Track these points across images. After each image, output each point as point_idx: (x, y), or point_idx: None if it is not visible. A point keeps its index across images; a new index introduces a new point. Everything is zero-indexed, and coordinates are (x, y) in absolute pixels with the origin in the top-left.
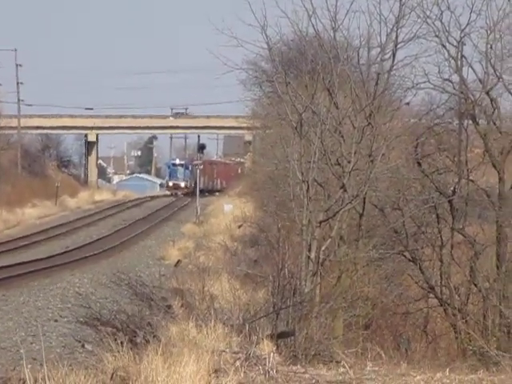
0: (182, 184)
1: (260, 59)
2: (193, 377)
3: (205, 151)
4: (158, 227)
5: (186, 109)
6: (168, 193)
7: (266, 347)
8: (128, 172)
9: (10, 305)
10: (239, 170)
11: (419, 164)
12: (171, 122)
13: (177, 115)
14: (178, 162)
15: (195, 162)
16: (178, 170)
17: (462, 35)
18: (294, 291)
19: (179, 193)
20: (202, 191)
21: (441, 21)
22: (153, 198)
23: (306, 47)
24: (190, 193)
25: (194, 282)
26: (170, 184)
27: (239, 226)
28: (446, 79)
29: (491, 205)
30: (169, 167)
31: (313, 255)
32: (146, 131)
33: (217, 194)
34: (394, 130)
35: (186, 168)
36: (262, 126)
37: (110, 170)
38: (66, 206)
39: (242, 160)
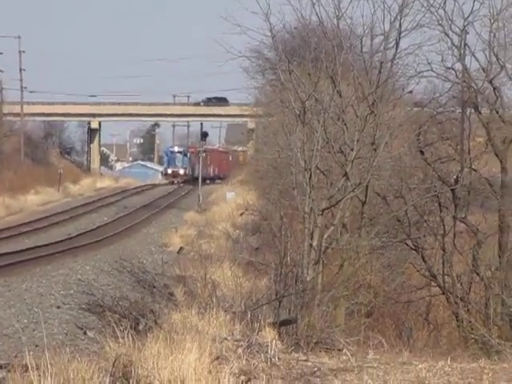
0: (181, 171)
1: (263, 47)
2: (195, 364)
3: (207, 139)
4: (160, 215)
5: (189, 96)
6: (166, 181)
7: (268, 335)
8: (130, 159)
9: (13, 291)
10: (230, 158)
11: (422, 152)
12: (174, 109)
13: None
14: (176, 149)
15: (192, 150)
16: (177, 157)
17: (466, 24)
18: (296, 279)
19: (177, 180)
20: (196, 179)
21: (444, 9)
22: (155, 185)
23: (310, 35)
24: (188, 181)
25: (196, 269)
26: (169, 171)
27: (241, 214)
28: (449, 68)
29: (493, 194)
30: (167, 154)
31: (315, 243)
32: (149, 119)
33: (208, 181)
34: (396, 118)
35: (185, 155)
36: (264, 113)
37: (112, 158)
38: (69, 192)
39: (237, 148)
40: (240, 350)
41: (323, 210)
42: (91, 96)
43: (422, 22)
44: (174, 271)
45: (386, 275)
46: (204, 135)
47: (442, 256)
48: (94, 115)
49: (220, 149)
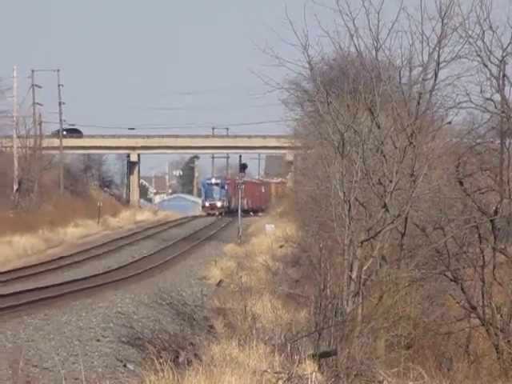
0: (219, 204)
1: (301, 79)
2: None
3: (246, 171)
4: (199, 247)
5: (228, 128)
6: (204, 213)
7: (308, 367)
8: (170, 191)
9: (52, 324)
10: (263, 190)
11: (461, 183)
12: (213, 141)
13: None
14: (213, 181)
15: (228, 181)
16: (214, 189)
17: (504, 54)
18: (335, 311)
19: (214, 213)
20: (232, 211)
21: (483, 40)
22: (194, 217)
23: (348, 67)
24: (225, 213)
25: (235, 301)
26: (207, 204)
27: (281, 246)
28: (488, 98)
29: None
30: (204, 186)
31: (354, 275)
32: (188, 151)
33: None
34: (435, 149)
35: (222, 187)
36: (303, 145)
37: (151, 190)
38: (108, 225)
39: (276, 180)
40: (280, 383)
41: (362, 242)
42: (130, 129)
43: (460, 53)
44: (213, 304)
45: (426, 307)
46: (243, 167)
47: (482, 287)
48: (133, 148)
49: (253, 180)
